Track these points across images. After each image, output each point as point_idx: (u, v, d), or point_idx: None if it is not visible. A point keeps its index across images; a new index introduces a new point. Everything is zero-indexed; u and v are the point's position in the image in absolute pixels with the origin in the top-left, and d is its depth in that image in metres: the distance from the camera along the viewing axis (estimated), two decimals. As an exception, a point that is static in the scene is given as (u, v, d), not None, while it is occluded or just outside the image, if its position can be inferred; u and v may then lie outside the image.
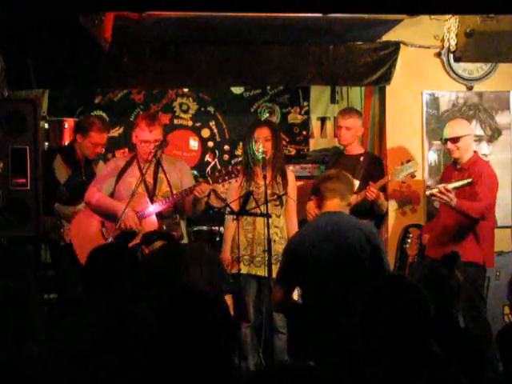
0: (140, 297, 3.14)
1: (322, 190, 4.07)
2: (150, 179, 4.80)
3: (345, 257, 3.83)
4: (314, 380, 1.75)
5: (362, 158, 5.34)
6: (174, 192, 4.71)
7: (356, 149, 5.43)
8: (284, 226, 5.07)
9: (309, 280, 3.87)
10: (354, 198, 5.18)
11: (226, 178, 4.57)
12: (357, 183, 5.24)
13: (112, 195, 4.78)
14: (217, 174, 4.60)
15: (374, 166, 5.35)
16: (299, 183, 5.76)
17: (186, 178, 4.82)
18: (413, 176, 5.19)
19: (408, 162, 5.19)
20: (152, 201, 4.71)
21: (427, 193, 4.96)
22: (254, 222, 4.95)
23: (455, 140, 5.07)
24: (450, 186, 4.86)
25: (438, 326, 2.71)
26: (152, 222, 4.67)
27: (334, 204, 4.00)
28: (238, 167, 5.27)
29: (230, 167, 4.67)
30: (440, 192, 4.81)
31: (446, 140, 5.12)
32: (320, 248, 3.84)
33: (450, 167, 5.32)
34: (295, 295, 5.06)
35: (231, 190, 5.12)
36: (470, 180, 4.90)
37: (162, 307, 2.52)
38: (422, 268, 3.59)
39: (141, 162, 4.80)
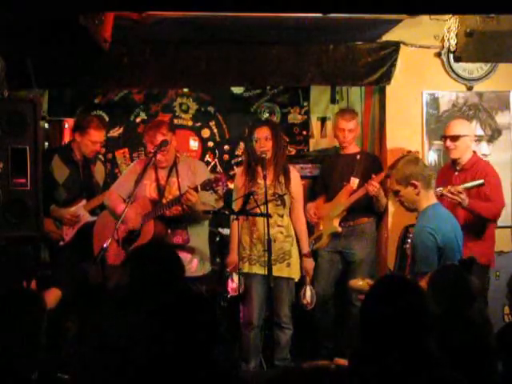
0: (138, 299, 3.14)
1: (426, 176, 4.17)
2: (163, 182, 4.87)
3: None
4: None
5: (358, 157, 5.37)
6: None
7: (352, 148, 5.47)
8: (289, 224, 5.07)
9: None
10: (355, 195, 5.23)
11: (214, 185, 4.56)
12: (356, 181, 5.27)
13: (130, 197, 4.81)
14: (206, 181, 4.59)
15: (371, 163, 5.39)
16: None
17: (199, 180, 4.75)
18: None
19: (409, 152, 5.15)
20: (159, 204, 4.77)
21: (438, 193, 4.93)
22: (258, 222, 4.96)
23: (454, 138, 5.08)
24: (462, 186, 4.84)
25: (454, 329, 2.76)
26: (149, 228, 4.73)
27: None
28: (239, 168, 5.29)
29: (218, 175, 4.67)
30: (451, 193, 4.75)
31: (446, 137, 5.12)
32: None
33: (448, 168, 5.31)
34: (308, 296, 5.08)
35: (235, 190, 5.14)
36: (482, 181, 4.90)
37: (161, 308, 2.53)
38: (444, 272, 3.58)
39: (157, 165, 4.87)
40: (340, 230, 5.29)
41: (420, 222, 4.22)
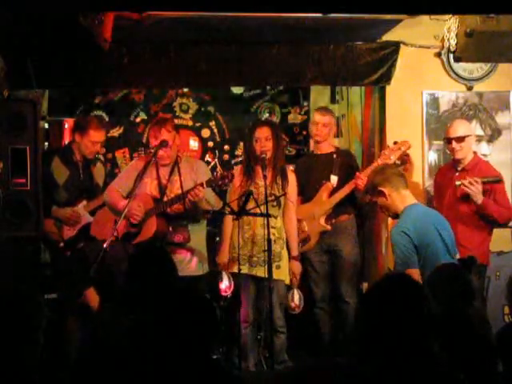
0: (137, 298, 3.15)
1: (392, 179, 4.33)
2: (164, 180, 4.86)
3: None
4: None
5: (335, 156, 5.37)
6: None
7: (327, 147, 5.46)
8: (281, 226, 5.06)
9: None
10: (341, 192, 5.22)
11: (220, 182, 4.57)
12: (336, 178, 5.28)
13: (130, 195, 4.81)
14: (212, 178, 4.60)
15: (346, 159, 5.42)
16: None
17: (200, 179, 4.74)
18: (406, 155, 5.22)
19: (395, 143, 5.20)
20: (161, 201, 4.76)
21: (457, 183, 4.96)
22: (251, 222, 4.95)
23: (460, 140, 5.07)
24: (480, 179, 4.89)
25: (453, 327, 2.75)
26: (151, 225, 4.72)
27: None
28: (237, 168, 5.29)
29: (225, 172, 4.68)
30: (470, 182, 4.85)
31: (451, 139, 5.11)
32: None
33: (448, 168, 5.31)
34: (296, 299, 5.07)
35: (231, 190, 5.12)
36: (499, 178, 4.94)
37: (161, 309, 2.53)
38: (443, 270, 3.58)
39: (159, 162, 4.87)
40: (329, 227, 5.26)
41: (396, 223, 4.40)
